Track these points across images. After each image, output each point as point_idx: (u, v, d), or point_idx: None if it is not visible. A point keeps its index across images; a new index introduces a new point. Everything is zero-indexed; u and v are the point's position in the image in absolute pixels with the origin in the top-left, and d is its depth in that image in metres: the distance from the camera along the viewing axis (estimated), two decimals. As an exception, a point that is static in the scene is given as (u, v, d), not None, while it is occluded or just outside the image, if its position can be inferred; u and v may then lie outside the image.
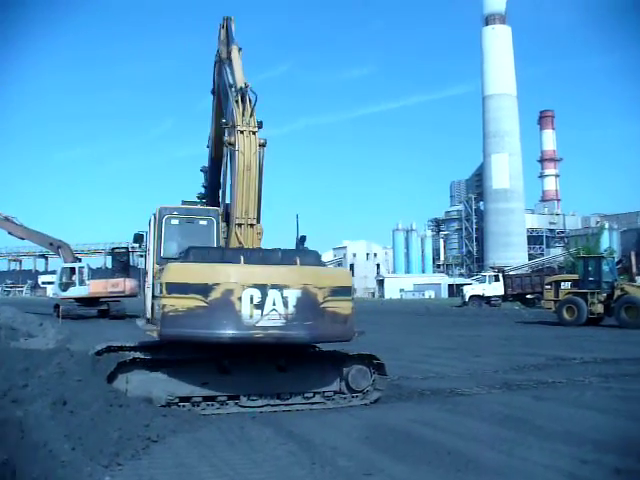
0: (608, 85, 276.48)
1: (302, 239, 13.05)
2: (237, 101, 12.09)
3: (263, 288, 9.84)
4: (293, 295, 9.93)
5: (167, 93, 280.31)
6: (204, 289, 9.77)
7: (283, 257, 10.59)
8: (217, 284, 9.78)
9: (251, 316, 9.76)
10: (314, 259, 10.94)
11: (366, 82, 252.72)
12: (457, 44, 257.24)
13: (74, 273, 42.61)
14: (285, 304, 9.89)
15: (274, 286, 9.88)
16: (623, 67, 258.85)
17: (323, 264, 11.25)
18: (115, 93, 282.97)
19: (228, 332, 9.78)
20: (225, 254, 10.66)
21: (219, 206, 13.25)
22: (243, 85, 12.31)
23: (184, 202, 13.89)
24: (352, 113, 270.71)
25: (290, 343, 10.41)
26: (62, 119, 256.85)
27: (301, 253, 11.30)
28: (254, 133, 11.85)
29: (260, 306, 9.81)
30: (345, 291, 10.50)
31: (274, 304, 9.84)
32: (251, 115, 11.97)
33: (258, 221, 11.96)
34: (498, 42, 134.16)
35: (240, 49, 13.94)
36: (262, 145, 11.94)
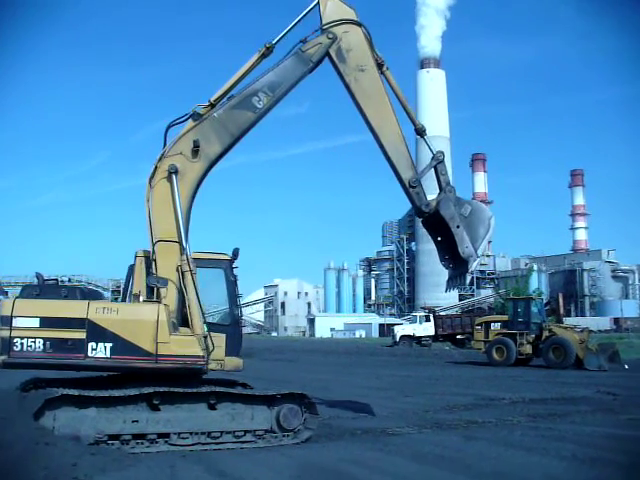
0: (537, 130, 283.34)
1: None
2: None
3: None
4: None
5: (102, 123, 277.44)
6: None
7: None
8: None
9: None
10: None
11: (299, 122, 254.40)
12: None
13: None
14: None
15: None
16: (554, 113, 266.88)
17: (31, 295, 10.98)
18: (50, 120, 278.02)
19: None
20: None
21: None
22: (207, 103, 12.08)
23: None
24: (284, 152, 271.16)
25: None
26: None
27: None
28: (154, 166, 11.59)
29: None
30: None
31: None
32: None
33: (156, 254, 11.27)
34: (432, 85, 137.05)
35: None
36: (173, 172, 11.39)
